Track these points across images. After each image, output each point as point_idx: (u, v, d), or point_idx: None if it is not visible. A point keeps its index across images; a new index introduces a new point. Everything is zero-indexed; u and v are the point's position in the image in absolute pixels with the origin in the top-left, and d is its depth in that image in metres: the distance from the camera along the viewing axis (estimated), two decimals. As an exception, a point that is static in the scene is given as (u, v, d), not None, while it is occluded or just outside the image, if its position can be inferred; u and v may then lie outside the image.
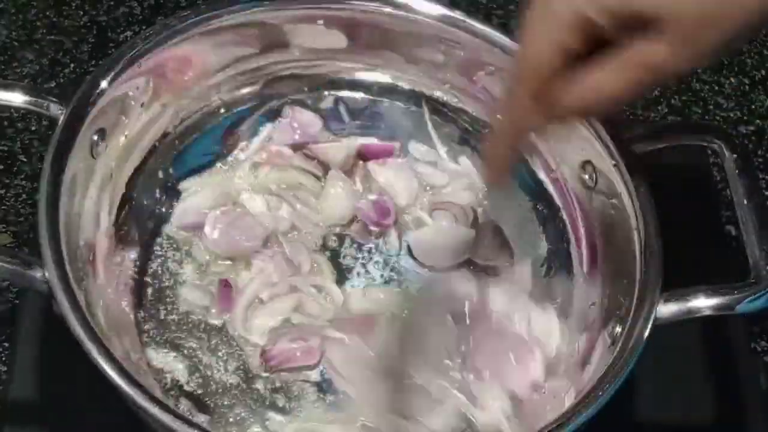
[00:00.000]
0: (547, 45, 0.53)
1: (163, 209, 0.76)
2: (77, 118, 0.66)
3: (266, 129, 0.80)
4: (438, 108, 0.80)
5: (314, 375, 0.70)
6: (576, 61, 0.53)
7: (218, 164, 0.79)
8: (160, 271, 0.74)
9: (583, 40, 0.52)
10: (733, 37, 0.51)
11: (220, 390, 0.69)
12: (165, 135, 0.76)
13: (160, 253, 0.75)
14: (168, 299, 0.73)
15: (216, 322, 0.72)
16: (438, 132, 0.81)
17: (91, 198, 0.68)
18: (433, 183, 0.80)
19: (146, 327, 0.71)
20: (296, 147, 0.79)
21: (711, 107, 0.93)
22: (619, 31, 0.51)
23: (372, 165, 0.80)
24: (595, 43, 0.52)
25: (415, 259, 0.76)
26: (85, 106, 0.66)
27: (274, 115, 0.80)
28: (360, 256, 0.76)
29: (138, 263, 0.73)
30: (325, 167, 0.79)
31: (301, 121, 0.80)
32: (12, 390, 0.69)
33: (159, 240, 0.75)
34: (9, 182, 0.83)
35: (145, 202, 0.75)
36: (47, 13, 0.94)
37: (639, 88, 0.53)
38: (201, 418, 0.67)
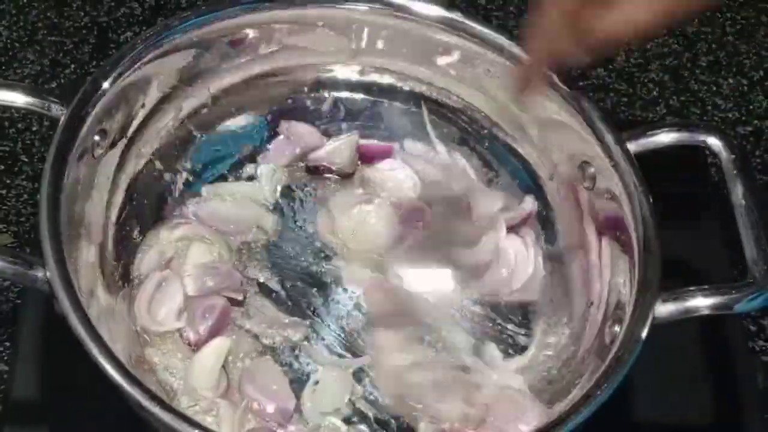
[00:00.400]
0: None
1: (164, 209, 0.76)
2: (78, 118, 0.66)
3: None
4: (437, 109, 0.80)
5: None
6: None
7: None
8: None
9: None
10: None
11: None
12: (166, 135, 0.76)
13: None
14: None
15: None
16: (437, 132, 0.81)
17: (92, 198, 0.69)
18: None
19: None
20: (298, 159, 0.80)
21: (709, 108, 0.94)
22: None
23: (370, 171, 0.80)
24: None
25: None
26: (86, 107, 0.67)
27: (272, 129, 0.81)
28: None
29: (139, 263, 0.74)
30: (330, 171, 0.80)
31: (297, 132, 0.80)
32: (13, 389, 0.70)
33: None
34: (10, 182, 0.83)
35: (146, 203, 0.75)
36: (48, 14, 0.94)
37: (668, 18, 0.55)
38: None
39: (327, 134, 0.81)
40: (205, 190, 0.78)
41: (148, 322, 0.70)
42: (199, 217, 0.76)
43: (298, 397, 0.68)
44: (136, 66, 0.70)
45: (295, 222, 0.77)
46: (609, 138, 0.69)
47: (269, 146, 0.80)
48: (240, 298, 0.72)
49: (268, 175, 0.79)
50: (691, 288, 0.63)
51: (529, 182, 0.78)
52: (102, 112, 0.68)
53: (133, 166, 0.74)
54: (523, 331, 0.73)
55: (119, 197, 0.73)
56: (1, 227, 0.80)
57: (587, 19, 0.56)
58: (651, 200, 0.66)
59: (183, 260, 0.73)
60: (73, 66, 0.91)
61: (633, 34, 0.57)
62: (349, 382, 0.69)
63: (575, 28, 0.57)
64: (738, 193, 0.66)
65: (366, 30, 0.77)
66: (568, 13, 0.56)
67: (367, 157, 0.80)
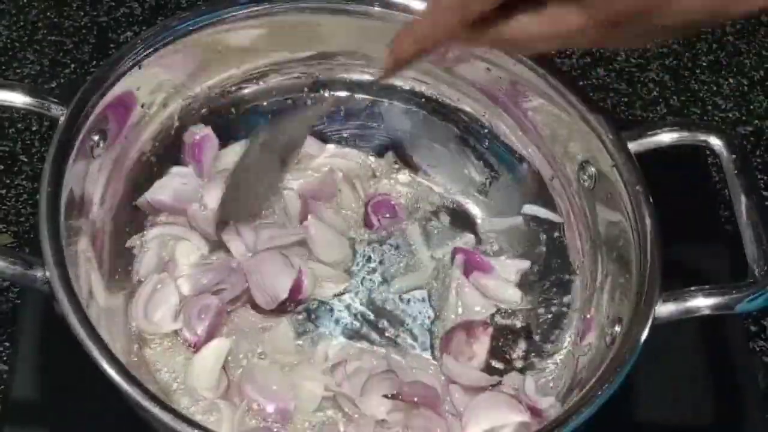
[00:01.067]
0: None
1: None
2: (78, 118, 0.66)
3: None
4: (436, 108, 0.80)
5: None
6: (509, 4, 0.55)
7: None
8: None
9: None
10: (653, 35, 0.55)
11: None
12: (166, 135, 0.76)
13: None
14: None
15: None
16: (436, 132, 0.81)
17: (91, 198, 0.69)
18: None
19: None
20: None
21: (710, 107, 0.94)
22: None
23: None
24: None
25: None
26: (85, 107, 0.67)
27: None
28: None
29: (138, 265, 0.74)
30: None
31: None
32: (13, 389, 0.70)
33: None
34: (10, 182, 0.83)
35: (146, 202, 0.75)
36: (48, 14, 0.94)
37: (549, 41, 0.55)
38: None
39: (326, 136, 0.82)
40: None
41: (145, 325, 0.70)
42: (156, 202, 0.75)
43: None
44: (136, 66, 0.70)
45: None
46: (609, 138, 0.69)
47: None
48: (237, 293, 0.72)
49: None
50: (692, 288, 0.63)
51: (529, 182, 0.78)
52: (102, 112, 0.68)
53: (132, 166, 0.74)
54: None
55: (119, 197, 0.73)
56: (1, 227, 0.80)
57: (481, 19, 0.56)
58: (651, 200, 0.66)
59: (174, 261, 0.73)
60: (72, 66, 0.91)
61: (518, 46, 0.58)
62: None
63: (466, 25, 0.56)
64: (738, 192, 0.66)
65: (366, 30, 0.77)
66: (464, 15, 0.55)
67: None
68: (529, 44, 0.56)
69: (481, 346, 0.72)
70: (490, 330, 0.73)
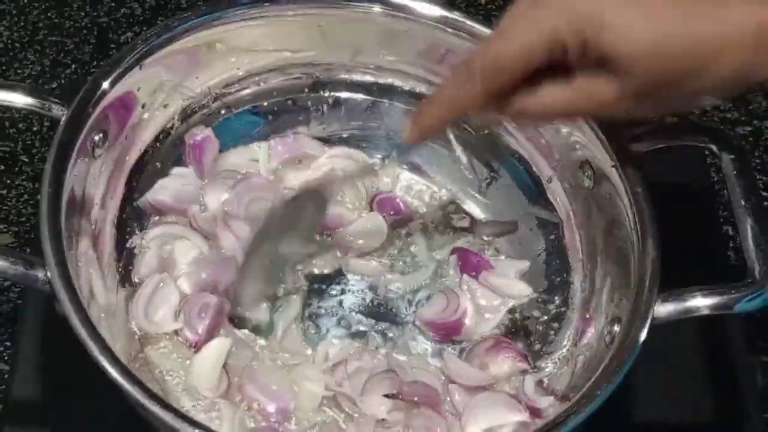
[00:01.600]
0: (519, 50, 0.54)
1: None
2: (79, 118, 0.66)
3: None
4: (437, 109, 0.80)
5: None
6: (533, 74, 0.55)
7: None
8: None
9: (549, 57, 0.54)
10: (684, 102, 0.56)
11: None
12: (166, 135, 0.76)
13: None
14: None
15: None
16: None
17: (92, 198, 0.69)
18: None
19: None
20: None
21: (709, 108, 0.94)
22: (582, 60, 0.53)
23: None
24: (556, 60, 0.54)
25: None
26: (86, 107, 0.67)
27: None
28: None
29: (138, 265, 0.74)
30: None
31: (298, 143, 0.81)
32: (14, 389, 0.70)
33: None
34: (11, 183, 0.83)
35: (148, 203, 0.75)
36: (49, 15, 0.94)
37: (578, 114, 0.56)
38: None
39: (326, 137, 0.82)
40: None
41: (146, 325, 0.70)
42: (157, 203, 0.76)
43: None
44: (136, 66, 0.70)
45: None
46: (610, 138, 0.69)
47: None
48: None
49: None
50: (691, 288, 0.63)
51: (530, 182, 0.78)
52: (102, 112, 0.68)
53: (133, 166, 0.74)
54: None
55: (119, 197, 0.73)
56: (2, 227, 0.80)
57: (504, 90, 0.56)
58: (651, 200, 0.66)
59: (174, 260, 0.73)
60: (73, 66, 0.91)
61: (542, 118, 0.58)
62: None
63: (490, 96, 0.56)
64: (738, 193, 0.66)
65: (366, 30, 0.77)
66: (489, 86, 0.56)
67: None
68: (556, 117, 0.56)
69: (498, 367, 0.72)
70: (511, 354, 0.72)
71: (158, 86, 0.73)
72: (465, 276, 0.76)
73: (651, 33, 0.51)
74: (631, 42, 0.51)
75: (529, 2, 0.54)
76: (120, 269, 0.72)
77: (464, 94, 0.57)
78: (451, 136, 0.80)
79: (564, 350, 0.71)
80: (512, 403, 0.68)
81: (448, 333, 0.73)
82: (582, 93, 0.54)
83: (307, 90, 0.81)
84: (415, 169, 0.82)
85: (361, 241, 0.77)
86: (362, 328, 0.73)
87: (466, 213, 0.80)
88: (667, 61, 0.51)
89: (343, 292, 0.75)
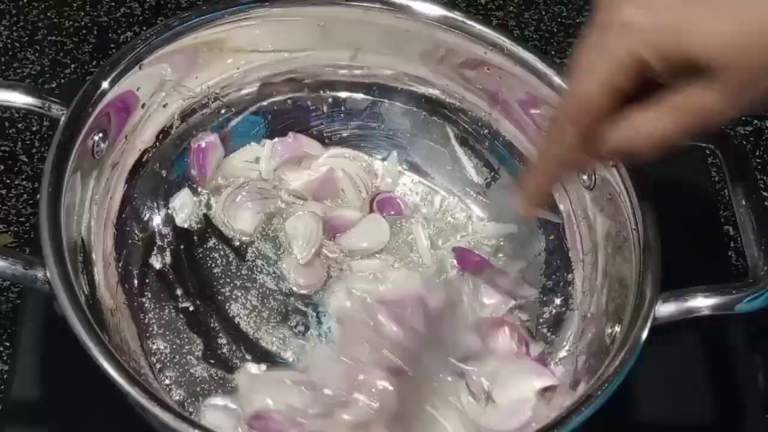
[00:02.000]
0: (599, 85, 0.52)
1: (164, 209, 0.76)
2: (78, 118, 0.66)
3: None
4: (437, 108, 0.80)
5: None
6: (625, 102, 0.53)
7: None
8: (160, 269, 0.74)
9: (635, 82, 0.52)
10: None
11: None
12: (166, 135, 0.76)
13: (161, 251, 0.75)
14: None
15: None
16: (436, 132, 0.81)
17: (92, 198, 0.69)
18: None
19: (148, 325, 0.71)
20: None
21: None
22: (672, 75, 0.51)
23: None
24: (645, 86, 0.52)
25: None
26: (86, 107, 0.67)
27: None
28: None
29: (139, 263, 0.74)
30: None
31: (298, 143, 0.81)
32: (13, 389, 0.70)
33: (160, 239, 0.76)
34: (10, 182, 0.83)
35: (146, 203, 0.75)
36: (48, 14, 0.94)
37: (687, 133, 0.52)
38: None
39: (326, 136, 0.82)
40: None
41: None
42: None
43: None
44: (136, 66, 0.70)
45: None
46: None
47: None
48: None
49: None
50: (692, 288, 0.63)
51: (529, 182, 0.78)
52: (102, 112, 0.68)
53: (132, 166, 0.74)
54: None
55: (119, 197, 0.73)
56: (1, 227, 0.80)
57: (601, 132, 0.54)
58: (651, 200, 0.66)
59: None
60: (73, 66, 0.91)
61: (649, 148, 0.54)
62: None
63: (588, 140, 0.54)
64: (738, 193, 0.66)
65: (366, 30, 0.77)
66: (582, 128, 0.54)
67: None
68: (665, 143, 0.53)
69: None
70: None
71: (158, 86, 0.73)
72: (466, 274, 0.75)
73: (729, 24, 0.49)
74: (715, 36, 0.49)
75: (597, 33, 0.52)
76: (120, 269, 0.72)
77: (560, 147, 0.55)
78: (451, 136, 0.80)
79: (564, 350, 0.71)
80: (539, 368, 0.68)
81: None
82: (684, 110, 0.52)
83: (307, 90, 0.81)
84: (414, 168, 0.82)
85: (365, 244, 0.77)
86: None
87: (467, 213, 0.80)
88: (757, 46, 0.49)
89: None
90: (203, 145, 0.77)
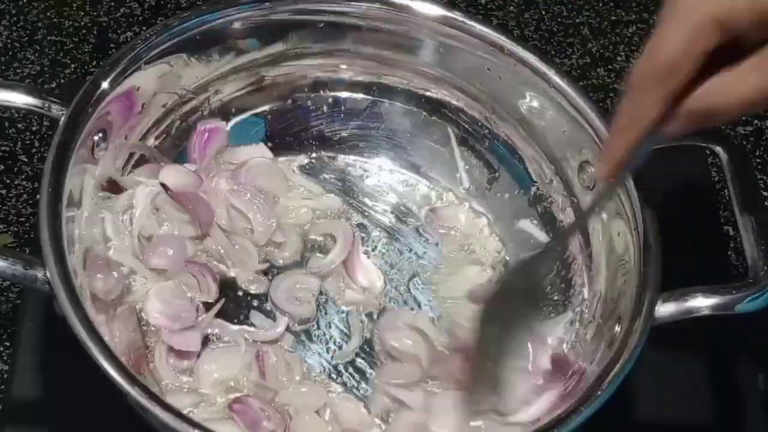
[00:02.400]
0: (684, 47, 0.52)
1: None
2: (78, 118, 0.66)
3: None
4: (437, 108, 0.80)
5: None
6: (708, 64, 0.52)
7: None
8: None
9: (720, 44, 0.51)
10: None
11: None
12: (166, 135, 0.76)
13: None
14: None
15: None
16: (436, 132, 0.81)
17: (92, 198, 0.69)
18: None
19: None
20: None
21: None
22: (756, 35, 0.51)
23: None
24: (729, 49, 0.52)
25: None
26: (86, 107, 0.67)
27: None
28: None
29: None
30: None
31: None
32: (13, 389, 0.70)
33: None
34: (10, 183, 0.83)
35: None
36: (48, 14, 0.94)
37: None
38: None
39: (327, 136, 0.82)
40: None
41: None
42: None
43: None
44: (136, 66, 0.70)
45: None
46: (609, 138, 0.69)
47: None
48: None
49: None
50: (692, 288, 0.63)
51: (530, 182, 0.78)
52: (102, 112, 0.68)
53: (132, 166, 0.74)
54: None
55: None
56: (1, 227, 0.80)
57: (684, 95, 0.53)
58: (651, 200, 0.66)
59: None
60: (73, 66, 0.91)
61: (734, 109, 0.53)
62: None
63: (670, 104, 0.53)
64: (738, 193, 0.66)
65: (366, 30, 0.77)
66: (666, 92, 0.53)
67: None
68: (744, 101, 0.52)
69: None
70: None
71: (158, 86, 0.73)
72: None
73: None
74: None
75: None
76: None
77: (644, 109, 0.55)
78: (452, 136, 0.80)
79: (564, 349, 0.71)
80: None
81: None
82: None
83: (307, 90, 0.81)
84: (414, 168, 0.82)
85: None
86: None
87: (467, 212, 0.80)
88: None
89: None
90: (208, 127, 0.77)
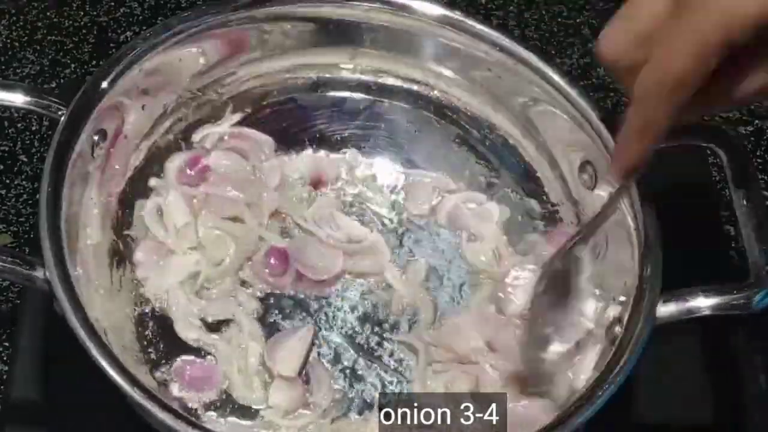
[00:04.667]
0: (697, 65, 0.52)
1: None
2: (78, 118, 0.66)
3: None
4: (437, 108, 0.80)
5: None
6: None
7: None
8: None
9: (727, 55, 0.52)
10: None
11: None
12: (166, 135, 0.76)
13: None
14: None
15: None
16: (436, 132, 0.81)
17: (91, 198, 0.69)
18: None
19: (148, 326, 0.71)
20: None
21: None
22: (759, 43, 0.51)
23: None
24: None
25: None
26: (85, 107, 0.67)
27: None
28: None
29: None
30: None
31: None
32: (13, 390, 0.70)
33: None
34: (10, 182, 0.83)
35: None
36: (48, 14, 0.94)
37: None
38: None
39: (327, 136, 0.82)
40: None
41: None
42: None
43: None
44: (136, 66, 0.70)
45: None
46: (610, 138, 0.69)
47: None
48: None
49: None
50: (693, 288, 0.63)
51: (530, 182, 0.78)
52: (102, 112, 0.68)
53: (133, 166, 0.74)
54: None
55: (119, 197, 0.73)
56: (1, 227, 0.80)
57: (694, 98, 0.54)
58: (652, 200, 0.66)
59: None
60: (72, 66, 0.91)
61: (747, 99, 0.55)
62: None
63: (681, 108, 0.54)
64: (739, 193, 0.66)
65: (366, 30, 0.77)
66: (679, 102, 0.53)
67: None
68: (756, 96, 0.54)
69: None
70: None
71: (158, 86, 0.73)
72: None
73: None
74: None
75: (684, 11, 0.52)
76: (120, 269, 0.72)
77: (653, 113, 0.55)
78: (452, 136, 0.80)
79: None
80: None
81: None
82: None
83: (307, 90, 0.81)
84: (414, 167, 0.82)
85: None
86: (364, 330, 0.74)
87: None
88: None
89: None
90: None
